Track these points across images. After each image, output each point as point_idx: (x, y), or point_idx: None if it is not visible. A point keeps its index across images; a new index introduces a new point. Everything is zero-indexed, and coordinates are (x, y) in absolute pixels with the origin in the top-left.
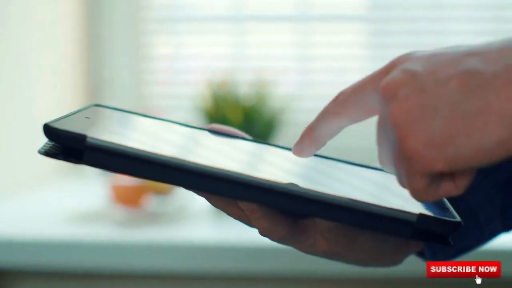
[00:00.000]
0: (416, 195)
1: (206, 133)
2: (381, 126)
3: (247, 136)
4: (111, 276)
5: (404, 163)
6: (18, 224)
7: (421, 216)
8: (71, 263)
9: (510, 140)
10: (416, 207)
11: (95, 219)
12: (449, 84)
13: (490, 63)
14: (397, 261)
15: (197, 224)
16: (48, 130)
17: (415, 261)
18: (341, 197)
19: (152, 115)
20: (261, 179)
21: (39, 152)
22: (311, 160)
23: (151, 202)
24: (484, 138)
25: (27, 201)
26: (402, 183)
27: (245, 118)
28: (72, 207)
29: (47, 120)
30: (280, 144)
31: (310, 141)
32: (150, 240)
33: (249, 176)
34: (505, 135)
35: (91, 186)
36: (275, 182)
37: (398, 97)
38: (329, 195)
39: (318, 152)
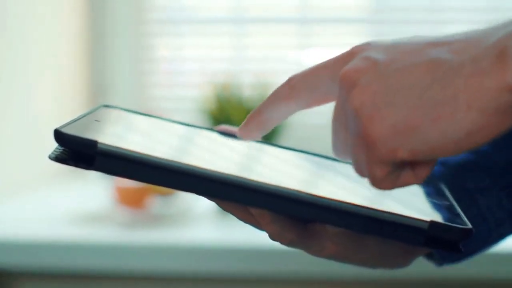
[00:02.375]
0: (375, 183)
1: (216, 134)
2: (338, 113)
3: None
4: (114, 278)
5: (365, 150)
6: (21, 225)
7: (432, 223)
8: (74, 265)
9: (477, 131)
10: (426, 214)
11: (98, 220)
12: (414, 71)
13: (456, 53)
14: (405, 263)
15: (201, 226)
16: (59, 135)
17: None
18: (354, 205)
19: (161, 116)
20: (272, 185)
21: (50, 157)
22: (320, 162)
23: (154, 203)
24: (452, 128)
25: (30, 202)
26: (360, 172)
27: None
28: (76, 208)
29: (49, 121)
30: (286, 145)
31: (256, 124)
32: (153, 241)
33: (259, 182)
34: (473, 126)
35: (95, 187)
36: (285, 189)
37: (359, 83)
38: (341, 202)
39: (325, 154)
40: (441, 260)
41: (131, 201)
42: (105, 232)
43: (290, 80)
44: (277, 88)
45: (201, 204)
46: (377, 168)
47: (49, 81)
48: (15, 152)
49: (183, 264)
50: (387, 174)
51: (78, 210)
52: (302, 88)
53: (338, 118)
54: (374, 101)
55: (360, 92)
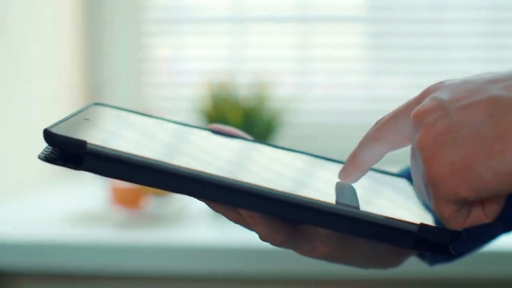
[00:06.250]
0: (445, 221)
1: (207, 133)
2: (412, 153)
3: (247, 136)
4: (110, 278)
5: (430, 189)
6: (18, 226)
7: (422, 226)
8: (70, 265)
9: None
10: (416, 216)
11: (94, 221)
12: (472, 109)
13: (510, 89)
14: (396, 263)
15: (197, 226)
16: (48, 135)
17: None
18: (341, 207)
19: (152, 114)
20: (259, 187)
21: (39, 157)
22: (313, 162)
23: (150, 203)
24: (502, 162)
25: (26, 203)
26: (434, 210)
27: (245, 119)
28: (71, 209)
29: (46, 121)
30: (280, 144)
31: (353, 167)
32: (149, 241)
33: (247, 183)
34: None
35: (90, 187)
36: (273, 190)
37: (425, 123)
38: (328, 204)
39: (318, 153)
40: (432, 260)
41: (126, 201)
42: (100, 232)
43: (377, 123)
44: (368, 131)
45: (197, 204)
46: (443, 207)
47: (47, 81)
48: (14, 152)
49: (178, 264)
50: (454, 213)
51: (74, 210)
52: (386, 130)
53: (413, 157)
54: (436, 140)
55: (424, 132)
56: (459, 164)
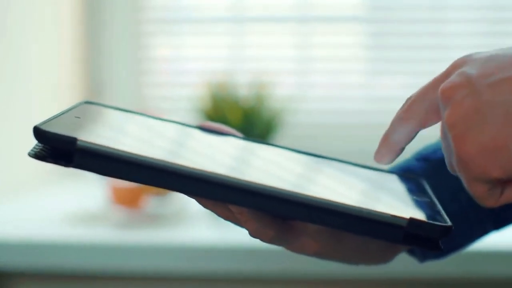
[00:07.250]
0: (479, 200)
1: (198, 131)
2: (442, 130)
3: (238, 134)
4: (110, 278)
5: (461, 169)
6: (17, 226)
7: (411, 220)
8: (70, 265)
9: None
10: (406, 211)
11: (94, 220)
12: (501, 87)
13: None
14: (387, 259)
15: (196, 226)
16: (38, 133)
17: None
18: (329, 201)
19: (142, 113)
20: (248, 182)
21: (29, 154)
22: (302, 159)
23: (150, 203)
24: None
25: (26, 203)
26: (467, 189)
27: (245, 119)
28: (71, 208)
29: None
30: (275, 143)
31: (386, 148)
32: (149, 241)
33: (235, 179)
34: None
35: (90, 187)
36: (261, 186)
37: (453, 100)
38: (317, 198)
39: (311, 151)
40: (423, 256)
41: (126, 200)
42: (100, 232)
43: (406, 101)
44: (398, 111)
45: (196, 204)
46: (475, 187)
47: (46, 81)
48: (14, 152)
49: (178, 264)
50: (487, 192)
51: (74, 210)
52: (415, 107)
53: (443, 134)
54: (465, 119)
55: (453, 109)
56: (489, 144)
